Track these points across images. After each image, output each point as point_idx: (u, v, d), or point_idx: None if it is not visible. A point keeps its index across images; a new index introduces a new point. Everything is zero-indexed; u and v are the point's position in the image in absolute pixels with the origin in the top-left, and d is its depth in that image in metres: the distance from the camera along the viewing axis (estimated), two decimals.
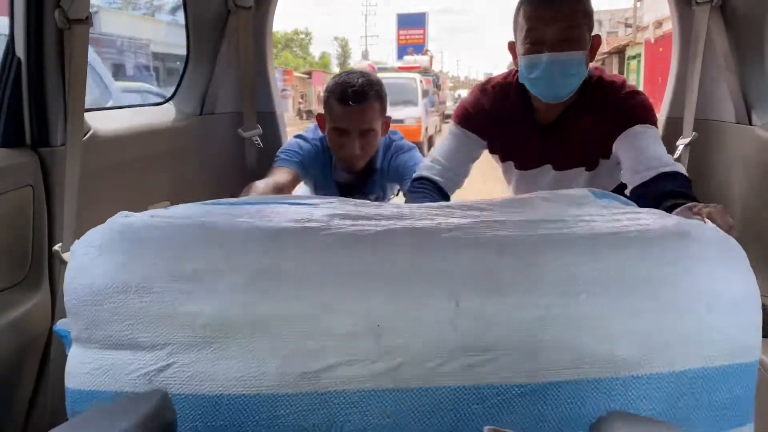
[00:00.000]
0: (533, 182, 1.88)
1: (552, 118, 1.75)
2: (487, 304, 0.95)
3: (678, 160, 2.20)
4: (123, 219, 1.12)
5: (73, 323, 1.04)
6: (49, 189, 1.53)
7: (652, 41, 20.27)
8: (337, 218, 1.12)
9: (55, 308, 1.55)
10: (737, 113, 2.07)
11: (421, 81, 16.37)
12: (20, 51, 1.48)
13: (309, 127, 2.30)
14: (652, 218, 1.11)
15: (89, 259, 1.04)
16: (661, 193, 1.50)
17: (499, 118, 1.79)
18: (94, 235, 1.08)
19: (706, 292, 0.98)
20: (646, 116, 1.67)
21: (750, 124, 2.02)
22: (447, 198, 1.84)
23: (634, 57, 24.28)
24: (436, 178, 1.84)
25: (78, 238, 1.55)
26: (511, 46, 1.74)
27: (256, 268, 0.98)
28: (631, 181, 1.63)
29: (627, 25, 28.61)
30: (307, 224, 1.07)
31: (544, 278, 0.97)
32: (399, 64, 22.09)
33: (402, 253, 1.00)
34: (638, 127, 1.65)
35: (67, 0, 1.48)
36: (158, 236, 1.04)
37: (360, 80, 1.92)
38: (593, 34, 1.65)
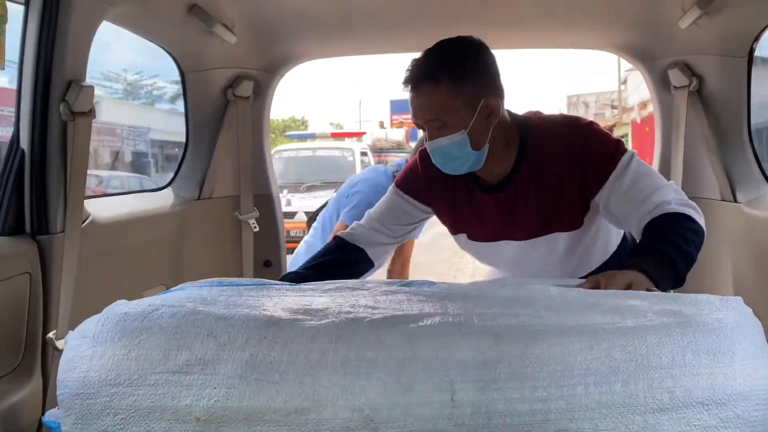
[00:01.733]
0: (495, 254, 1.68)
1: (495, 179, 1.55)
2: (483, 396, 0.94)
3: None
4: (118, 308, 1.11)
5: (65, 416, 1.02)
6: (46, 276, 1.54)
7: (638, 122, 20.89)
8: (333, 307, 1.10)
9: (47, 398, 1.52)
10: (722, 191, 2.13)
11: (365, 153, 12.57)
12: (24, 143, 1.54)
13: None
14: (651, 303, 1.07)
15: (83, 351, 1.03)
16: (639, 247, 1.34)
17: (438, 182, 1.61)
18: (89, 325, 1.08)
19: (706, 386, 0.95)
20: (614, 153, 1.47)
21: (735, 201, 2.07)
22: (362, 254, 1.68)
23: (621, 137, 24.91)
24: (350, 233, 1.70)
25: (73, 325, 1.55)
26: None
27: (249, 359, 0.97)
28: (638, 230, 1.43)
29: (613, 107, 29.56)
30: (301, 314, 1.06)
31: (542, 369, 0.95)
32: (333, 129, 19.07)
33: (397, 342, 0.99)
34: (615, 174, 1.45)
35: (72, 94, 1.55)
36: (152, 326, 1.03)
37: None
38: (485, 96, 1.44)
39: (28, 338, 1.51)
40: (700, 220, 1.39)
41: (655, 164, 2.46)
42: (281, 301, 1.15)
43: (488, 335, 0.98)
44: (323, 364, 0.96)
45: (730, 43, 2.01)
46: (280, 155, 11.13)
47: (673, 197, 1.40)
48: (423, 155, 1.65)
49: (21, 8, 1.49)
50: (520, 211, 1.55)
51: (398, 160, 2.87)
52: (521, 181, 1.53)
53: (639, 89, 20.84)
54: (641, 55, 2.35)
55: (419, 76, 1.42)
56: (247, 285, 1.30)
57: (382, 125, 18.97)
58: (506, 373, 0.95)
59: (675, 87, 2.22)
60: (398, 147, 16.06)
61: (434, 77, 1.40)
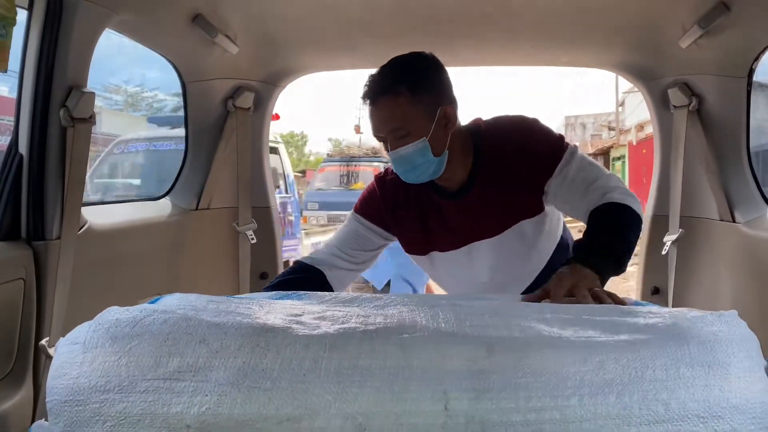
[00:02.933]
0: (468, 258, 1.70)
1: (455, 186, 1.63)
2: (477, 406, 0.93)
3: (666, 255, 2.23)
4: (110, 315, 1.10)
5: (54, 423, 1.01)
6: (40, 282, 1.53)
7: (634, 143, 21.02)
8: (328, 314, 1.10)
9: (37, 406, 1.50)
10: (720, 211, 2.13)
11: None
12: (23, 148, 1.53)
13: None
14: (645, 318, 1.08)
15: (73, 357, 1.02)
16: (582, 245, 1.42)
17: (399, 204, 1.69)
18: (79, 332, 1.06)
19: (701, 399, 0.94)
20: (558, 146, 1.58)
21: (733, 221, 2.07)
22: (323, 278, 1.68)
23: (618, 158, 25.04)
24: (311, 257, 1.72)
25: (66, 333, 1.53)
26: None
27: (241, 366, 0.96)
28: (585, 217, 1.54)
29: (610, 128, 29.73)
30: (294, 323, 1.06)
31: (536, 380, 0.95)
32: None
33: (391, 351, 0.98)
34: (561, 165, 1.55)
35: (73, 100, 1.54)
36: (143, 333, 1.02)
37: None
38: (442, 105, 1.52)
39: (20, 345, 1.49)
40: (638, 207, 1.49)
41: (654, 183, 2.47)
42: (273, 309, 1.14)
43: (481, 345, 0.98)
44: (316, 372, 0.95)
45: (730, 64, 2.02)
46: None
47: (614, 186, 1.52)
48: (380, 179, 1.74)
49: (24, 13, 1.49)
50: (485, 212, 1.63)
51: None
52: (480, 183, 1.61)
53: (636, 111, 20.99)
54: (641, 74, 2.36)
55: (379, 90, 1.50)
56: (236, 297, 1.29)
57: (358, 129, 16.08)
58: (500, 383, 0.94)
59: (674, 106, 2.23)
60: (373, 154, 14.23)
61: (394, 90, 1.48)
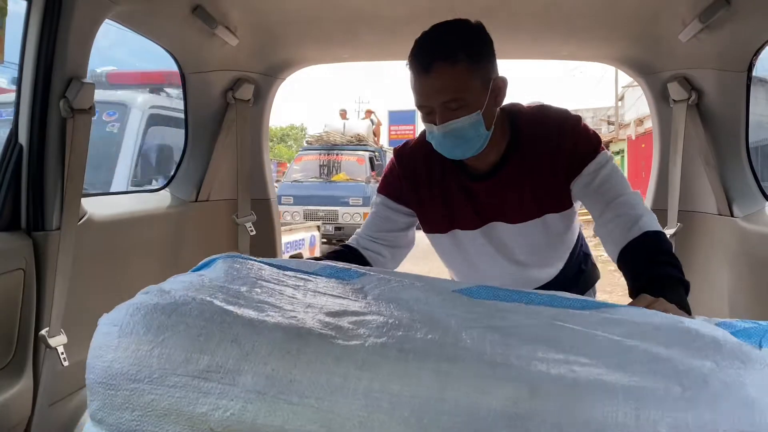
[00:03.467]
0: (488, 237, 1.64)
1: (486, 167, 1.56)
2: None
3: None
4: (149, 297, 1.09)
5: (91, 400, 1.02)
6: (40, 273, 1.53)
7: (633, 138, 21.01)
8: (369, 318, 1.03)
9: (37, 396, 1.51)
10: (719, 205, 2.13)
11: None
12: (23, 138, 1.53)
13: None
14: (714, 364, 0.93)
15: (110, 340, 1.02)
16: (653, 276, 1.36)
17: (421, 181, 1.61)
18: (119, 313, 1.06)
19: None
20: (595, 149, 1.53)
21: (731, 215, 2.07)
22: (365, 262, 1.62)
23: (617, 153, 25.08)
24: (357, 248, 1.66)
25: (65, 323, 1.54)
26: None
27: (270, 374, 0.94)
28: (610, 239, 1.49)
29: (609, 123, 29.72)
30: (332, 328, 1.00)
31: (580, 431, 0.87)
32: None
33: (426, 379, 0.91)
34: (591, 167, 1.51)
35: (73, 90, 1.54)
36: (178, 324, 1.01)
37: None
38: (494, 77, 1.45)
39: (20, 335, 1.49)
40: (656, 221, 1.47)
41: (653, 177, 2.47)
42: (318, 302, 1.10)
43: (524, 384, 0.89)
44: (345, 391, 0.91)
45: (729, 58, 2.02)
46: None
47: (638, 204, 1.47)
48: (399, 156, 1.66)
49: (24, 3, 1.49)
50: (512, 196, 1.56)
51: None
52: (512, 167, 1.54)
53: (636, 105, 20.98)
54: (641, 68, 2.36)
55: (434, 56, 1.38)
56: (298, 269, 1.24)
57: (344, 115, 13.84)
58: (538, 431, 0.87)
59: (674, 100, 2.23)
60: (358, 142, 12.84)
61: (452, 57, 1.37)
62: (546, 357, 0.94)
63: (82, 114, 1.57)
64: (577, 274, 1.79)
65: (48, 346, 1.50)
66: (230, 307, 1.04)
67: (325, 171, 12.72)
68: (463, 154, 1.48)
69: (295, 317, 1.03)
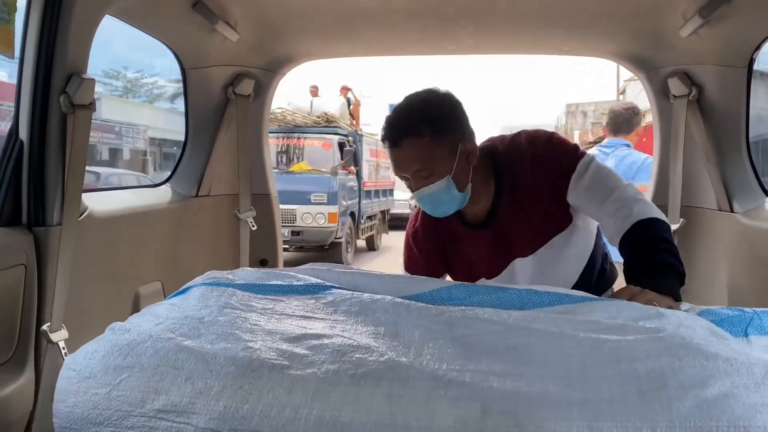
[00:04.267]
0: (514, 277, 1.71)
1: (483, 213, 1.65)
2: None
3: None
4: (107, 338, 1.11)
5: None
6: (41, 268, 1.54)
7: None
8: (325, 346, 1.04)
9: (39, 391, 1.51)
10: (719, 201, 2.13)
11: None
12: (23, 134, 1.53)
13: None
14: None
15: (70, 384, 1.05)
16: (643, 264, 1.42)
17: (436, 248, 1.74)
18: (77, 357, 1.09)
19: None
20: (573, 158, 1.58)
21: (731, 211, 2.08)
22: None
23: None
24: None
25: (67, 318, 1.55)
26: None
27: (223, 411, 0.95)
28: (612, 236, 1.54)
29: None
30: (286, 357, 1.01)
31: None
32: None
33: (377, 405, 0.92)
34: (575, 176, 1.56)
35: (73, 86, 1.54)
36: (133, 365, 1.03)
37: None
38: (462, 142, 1.53)
39: (21, 330, 1.50)
40: (660, 214, 1.50)
41: (654, 173, 2.47)
42: (280, 327, 1.12)
43: (475, 404, 0.90)
44: (296, 423, 0.92)
45: (730, 53, 2.01)
46: None
47: (632, 196, 1.52)
48: (413, 238, 1.77)
49: None
50: (515, 235, 1.64)
51: None
52: (506, 208, 1.63)
53: (637, 99, 20.91)
54: (642, 63, 2.35)
55: (402, 131, 1.50)
56: (270, 290, 1.27)
57: (314, 92, 11.09)
58: None
59: (674, 96, 2.22)
60: (326, 123, 10.43)
61: (416, 131, 1.49)
62: (502, 371, 0.94)
63: (83, 109, 1.57)
64: (600, 273, 1.81)
65: (49, 341, 1.51)
66: (187, 342, 1.06)
67: (284, 159, 10.01)
68: (444, 212, 1.58)
69: (251, 347, 1.03)
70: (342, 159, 10.03)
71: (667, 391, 0.88)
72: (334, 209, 9.55)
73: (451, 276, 1.78)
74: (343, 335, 1.07)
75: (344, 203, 10.05)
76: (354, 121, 11.85)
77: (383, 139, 1.55)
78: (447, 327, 1.09)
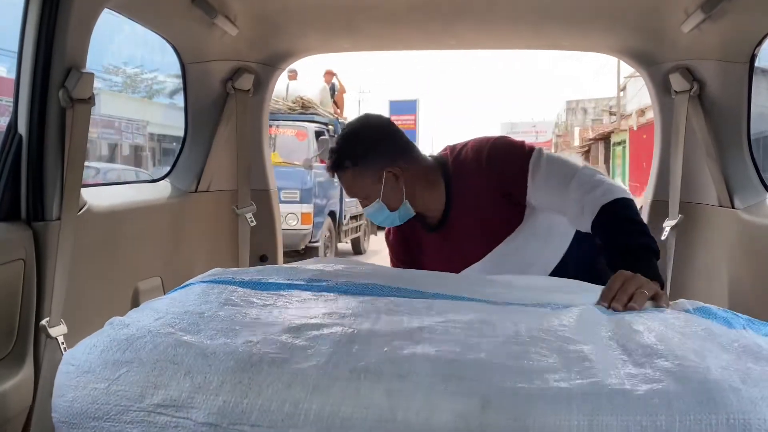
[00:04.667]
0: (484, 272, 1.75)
1: (436, 217, 1.78)
2: None
3: (665, 241, 2.24)
4: (105, 333, 1.11)
5: None
6: (40, 263, 1.53)
7: (635, 129, 20.95)
8: (325, 338, 1.04)
9: (38, 386, 1.51)
10: (720, 197, 2.13)
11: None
12: (22, 128, 1.53)
13: None
14: (675, 371, 0.92)
15: (69, 379, 1.04)
16: (619, 246, 1.48)
17: (405, 234, 1.88)
18: (76, 352, 1.08)
19: None
20: (522, 156, 1.64)
21: (732, 207, 2.07)
22: None
23: (619, 143, 25.01)
24: None
25: (66, 313, 1.54)
26: None
27: (222, 406, 0.95)
28: (580, 223, 1.60)
29: (611, 113, 29.62)
30: (287, 350, 1.01)
31: None
32: None
33: (377, 400, 0.92)
34: (530, 175, 1.61)
35: (72, 80, 1.53)
36: (132, 360, 1.03)
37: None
38: (384, 172, 1.68)
39: (20, 325, 1.50)
40: (621, 191, 1.57)
41: (654, 169, 2.47)
42: (280, 320, 1.12)
43: (476, 399, 0.90)
44: (296, 418, 0.92)
45: (732, 49, 2.01)
46: None
47: (590, 180, 1.57)
48: (387, 231, 1.94)
49: None
50: (468, 237, 1.73)
51: None
52: (456, 212, 1.74)
53: (638, 96, 20.91)
54: (643, 58, 2.35)
55: (332, 166, 1.72)
56: (272, 286, 1.28)
57: (293, 76, 10.01)
58: None
59: (676, 92, 2.22)
60: (303, 109, 9.43)
61: (341, 166, 1.70)
62: (502, 365, 0.95)
63: (82, 104, 1.57)
64: (593, 257, 1.78)
65: (48, 336, 1.51)
66: (186, 338, 1.06)
67: None
68: (391, 224, 1.77)
69: (251, 342, 1.03)
70: (318, 150, 8.82)
71: (666, 385, 0.89)
72: (308, 208, 8.62)
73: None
74: (343, 330, 1.07)
75: (321, 201, 9.11)
76: (338, 110, 11.00)
77: (327, 170, 1.75)
78: (447, 322, 1.09)
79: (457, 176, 1.72)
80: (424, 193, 1.73)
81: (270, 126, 8.72)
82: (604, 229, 1.52)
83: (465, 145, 1.77)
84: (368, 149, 1.70)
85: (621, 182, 21.26)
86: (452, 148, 1.80)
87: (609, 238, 1.51)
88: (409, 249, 1.89)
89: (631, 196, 1.55)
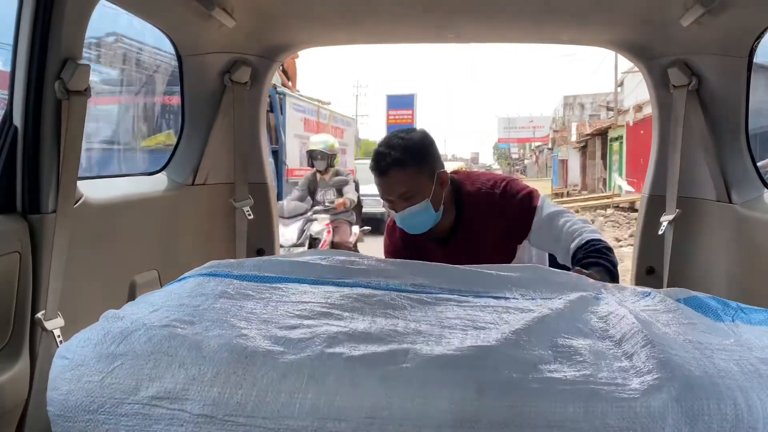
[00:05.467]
0: None
1: (444, 232, 1.98)
2: None
3: (662, 236, 2.24)
4: (100, 326, 1.10)
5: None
6: (36, 255, 1.53)
7: (632, 124, 20.97)
8: (320, 331, 1.04)
9: (34, 379, 1.51)
10: (717, 191, 2.13)
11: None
12: (18, 120, 1.51)
13: None
14: (668, 368, 0.93)
15: (63, 372, 1.04)
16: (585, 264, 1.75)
17: (409, 246, 2.03)
18: (70, 345, 1.08)
19: None
20: (529, 204, 1.91)
21: (730, 202, 2.07)
22: None
23: (616, 139, 25.02)
24: None
25: (62, 306, 1.54)
26: None
27: (217, 397, 0.95)
28: (566, 260, 1.87)
29: (608, 109, 29.64)
30: (281, 343, 1.01)
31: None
32: None
33: (372, 387, 0.93)
34: (535, 222, 1.90)
35: (68, 72, 1.52)
36: (126, 352, 1.03)
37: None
38: (438, 172, 1.87)
39: (16, 318, 1.49)
40: (602, 237, 1.88)
41: (652, 163, 2.46)
42: (276, 314, 1.12)
43: (471, 385, 0.91)
44: (291, 408, 0.92)
45: (731, 43, 2.00)
46: None
47: (581, 226, 1.88)
48: (393, 227, 2.06)
49: None
50: (464, 257, 1.84)
51: None
52: (461, 232, 1.97)
53: (635, 92, 20.91)
54: (641, 52, 2.34)
55: (388, 164, 1.82)
56: (268, 279, 1.28)
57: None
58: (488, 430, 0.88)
59: (674, 86, 2.21)
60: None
61: (401, 163, 1.81)
62: (498, 353, 0.96)
63: (78, 96, 1.56)
64: None
65: (44, 329, 1.50)
66: (180, 330, 1.05)
67: (141, 127, 7.00)
68: (421, 229, 1.90)
69: (246, 335, 1.03)
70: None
71: (660, 373, 0.91)
72: None
73: None
74: (338, 321, 1.08)
75: None
76: (290, 83, 9.90)
77: (372, 169, 1.85)
78: (442, 311, 1.11)
79: (469, 203, 1.94)
80: (446, 206, 1.92)
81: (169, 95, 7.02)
82: (584, 250, 1.79)
83: (478, 177, 2.02)
84: (427, 150, 1.87)
85: (619, 177, 21.36)
86: (466, 176, 2.03)
87: (584, 254, 1.78)
88: (408, 256, 1.96)
89: (600, 236, 1.87)
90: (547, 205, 1.93)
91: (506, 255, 1.96)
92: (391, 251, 2.09)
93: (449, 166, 2.07)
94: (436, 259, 1.84)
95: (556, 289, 1.24)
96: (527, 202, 1.92)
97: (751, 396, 0.89)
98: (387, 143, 1.86)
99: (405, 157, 1.81)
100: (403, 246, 2.04)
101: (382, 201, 1.96)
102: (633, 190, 16.32)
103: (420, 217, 1.85)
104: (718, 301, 1.19)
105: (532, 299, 1.20)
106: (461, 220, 1.95)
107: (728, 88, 2.09)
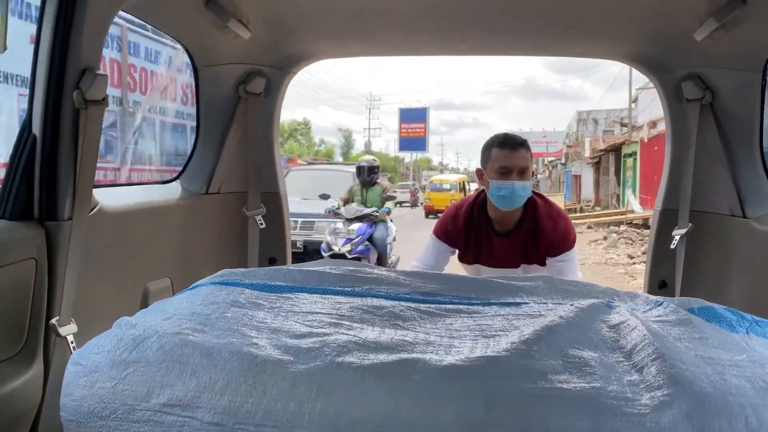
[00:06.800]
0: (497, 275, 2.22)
1: (508, 228, 2.33)
2: None
3: (674, 250, 2.22)
4: (116, 331, 1.12)
5: None
6: (52, 262, 1.54)
7: (645, 141, 20.84)
8: (330, 340, 1.05)
9: (47, 384, 1.52)
10: (731, 206, 2.11)
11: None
12: (36, 129, 1.54)
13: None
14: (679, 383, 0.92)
15: (77, 378, 1.05)
16: None
17: (469, 231, 2.38)
18: (83, 352, 1.09)
19: None
20: (571, 243, 2.32)
21: (744, 216, 2.06)
22: None
23: (630, 155, 24.87)
24: None
25: (76, 313, 1.55)
26: (479, 173, 2.33)
27: (227, 406, 0.95)
28: None
29: (622, 125, 29.50)
30: (291, 353, 1.02)
31: None
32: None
33: (380, 398, 0.93)
34: (566, 254, 2.30)
35: (86, 82, 1.55)
36: (139, 359, 1.04)
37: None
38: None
39: (31, 324, 1.51)
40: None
41: (665, 177, 2.45)
42: (286, 324, 1.12)
43: (479, 398, 0.90)
44: (300, 417, 0.92)
45: (745, 57, 2.00)
46: None
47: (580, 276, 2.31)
48: (458, 213, 2.40)
49: None
50: (517, 252, 2.33)
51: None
52: (521, 232, 2.32)
53: (649, 108, 20.81)
54: (655, 66, 2.34)
55: (519, 144, 2.23)
56: (279, 289, 1.29)
57: None
58: None
59: (688, 100, 2.21)
60: None
61: (524, 145, 2.25)
62: (507, 366, 0.95)
63: (95, 105, 1.58)
64: None
65: (58, 334, 1.51)
66: (193, 338, 1.06)
67: None
68: (513, 206, 2.24)
69: (256, 343, 1.04)
70: None
71: (671, 388, 0.90)
72: None
73: (459, 252, 2.43)
74: (348, 331, 1.08)
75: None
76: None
77: (502, 144, 2.23)
78: (451, 322, 1.11)
79: (535, 212, 2.30)
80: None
81: None
82: None
83: (550, 202, 2.40)
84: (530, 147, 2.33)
85: (632, 195, 21.18)
86: (539, 194, 2.40)
87: None
88: (465, 237, 2.37)
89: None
90: (575, 255, 2.37)
91: (542, 260, 2.33)
92: (447, 231, 2.41)
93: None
94: (492, 246, 2.33)
95: (567, 296, 1.24)
96: (572, 240, 2.34)
97: (763, 413, 0.88)
98: (510, 134, 2.34)
99: (524, 143, 2.26)
100: (465, 231, 2.37)
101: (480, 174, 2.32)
102: (641, 211, 16.15)
103: (523, 192, 2.21)
104: (733, 313, 1.18)
105: (544, 303, 1.20)
106: (524, 222, 2.31)
107: (742, 103, 2.08)
